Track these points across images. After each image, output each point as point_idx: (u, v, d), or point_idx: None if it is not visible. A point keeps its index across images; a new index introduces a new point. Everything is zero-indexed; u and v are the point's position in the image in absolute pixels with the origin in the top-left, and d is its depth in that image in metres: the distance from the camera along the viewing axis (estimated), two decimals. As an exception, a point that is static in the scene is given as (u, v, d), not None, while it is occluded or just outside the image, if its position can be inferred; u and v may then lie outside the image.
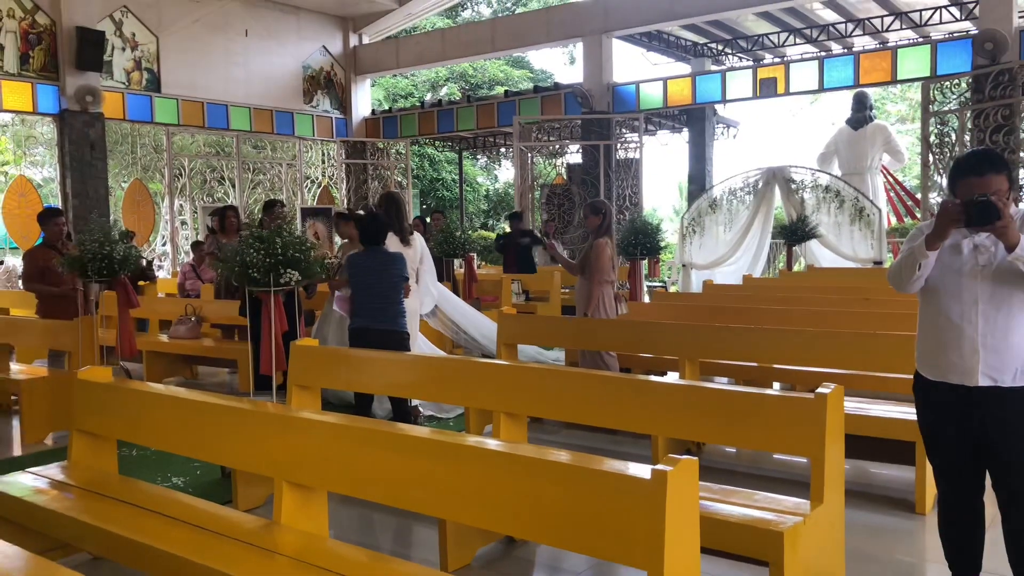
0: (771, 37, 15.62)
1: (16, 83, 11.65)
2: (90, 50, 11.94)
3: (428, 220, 12.27)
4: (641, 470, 2.21)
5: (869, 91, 14.12)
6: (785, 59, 14.82)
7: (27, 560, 1.95)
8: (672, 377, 6.31)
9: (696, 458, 2.20)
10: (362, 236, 5.34)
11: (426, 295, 6.49)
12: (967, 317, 2.78)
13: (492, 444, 2.71)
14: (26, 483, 3.56)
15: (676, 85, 13.60)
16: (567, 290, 10.61)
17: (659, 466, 2.13)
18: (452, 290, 9.52)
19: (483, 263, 17.82)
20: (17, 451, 5.90)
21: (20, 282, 12.12)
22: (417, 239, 6.25)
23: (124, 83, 13.03)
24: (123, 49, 13.01)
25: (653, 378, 3.83)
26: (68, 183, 12.00)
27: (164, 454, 5.26)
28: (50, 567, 1.95)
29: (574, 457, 2.42)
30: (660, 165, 24.48)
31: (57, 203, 12.18)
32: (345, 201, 16.05)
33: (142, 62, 13.26)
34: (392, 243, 5.90)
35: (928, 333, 2.94)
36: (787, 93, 12.69)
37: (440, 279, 9.64)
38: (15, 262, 12.94)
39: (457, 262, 10.08)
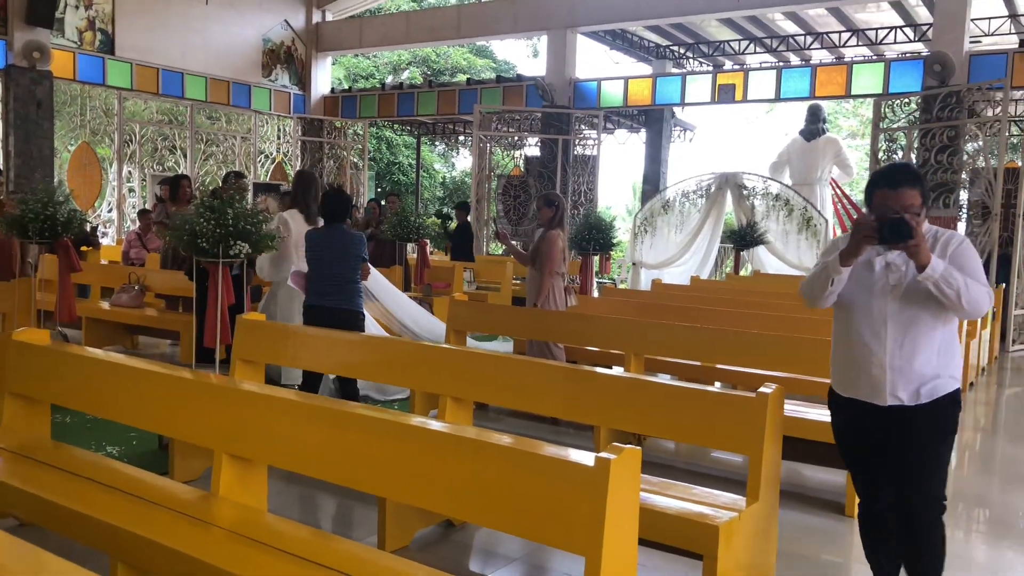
0: (732, 44, 15.84)
1: (-39, 34, 11.24)
2: (41, 5, 11.55)
3: (383, 203, 12.18)
4: (585, 457, 2.24)
5: (823, 104, 14.42)
6: (745, 67, 15.06)
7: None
8: (618, 371, 6.39)
9: (639, 448, 2.23)
10: (323, 213, 5.25)
11: None
12: (876, 335, 2.79)
13: (436, 425, 2.72)
14: (-47, 444, 3.45)
15: (637, 85, 13.71)
16: (518, 281, 10.65)
17: (603, 453, 2.16)
18: (404, 274, 9.49)
19: (435, 249, 17.76)
20: (-57, 413, 5.71)
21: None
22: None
23: (76, 42, 12.64)
24: (76, 7, 12.62)
25: (599, 369, 3.87)
26: (11, 141, 11.61)
27: (99, 422, 5.15)
28: (-22, 527, 1.90)
29: (518, 441, 2.44)
30: (616, 163, 24.64)
31: (-2, 161, 11.79)
32: (299, 179, 15.79)
33: (96, 22, 12.88)
34: (296, 221, 5.84)
35: (840, 350, 2.94)
36: (745, 100, 12.89)
37: (392, 263, 9.62)
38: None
39: (410, 247, 10.03)
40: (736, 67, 15.55)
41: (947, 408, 2.82)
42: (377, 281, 7.07)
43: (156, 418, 3.35)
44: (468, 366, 4.00)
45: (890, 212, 2.63)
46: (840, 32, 14.71)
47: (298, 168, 15.71)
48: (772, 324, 6.03)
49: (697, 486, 3.37)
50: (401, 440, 2.63)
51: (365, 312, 5.57)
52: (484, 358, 4.09)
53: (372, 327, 6.71)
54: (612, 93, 13.74)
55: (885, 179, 2.77)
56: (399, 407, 6.10)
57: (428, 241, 10.01)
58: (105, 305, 7.93)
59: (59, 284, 6.06)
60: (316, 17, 16.10)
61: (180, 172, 13.54)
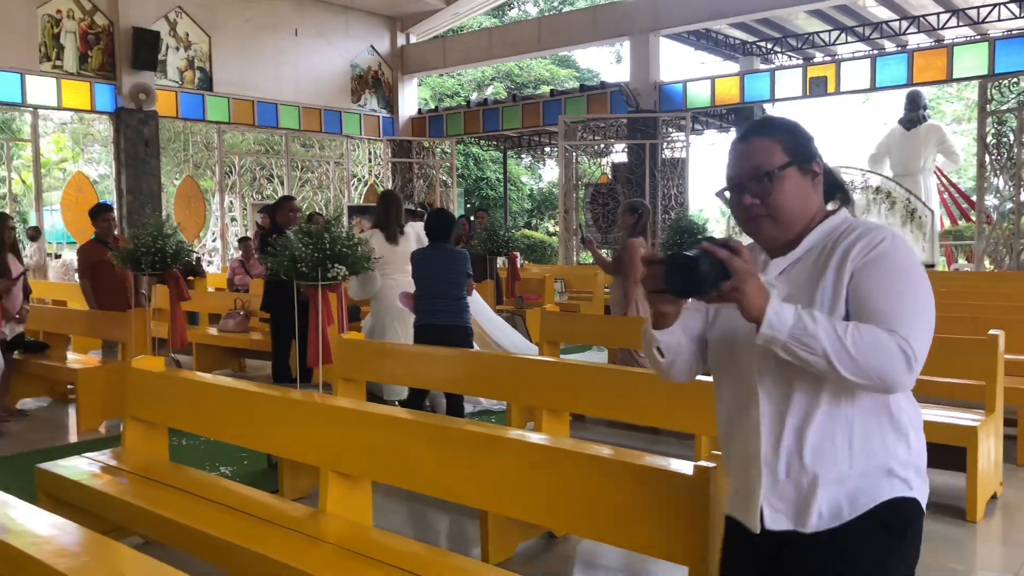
0: (822, 35, 15.39)
1: (75, 82, 11.99)
2: (145, 50, 12.24)
3: (472, 219, 12.34)
4: (684, 466, 2.21)
5: (923, 90, 13.83)
6: (836, 58, 14.59)
7: (85, 536, 2.02)
8: (716, 377, 6.25)
9: (740, 455, 2.18)
10: (428, 232, 5.37)
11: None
12: (747, 417, 1.68)
13: (535, 437, 2.73)
14: (82, 467, 3.67)
15: (724, 84, 13.47)
16: (610, 290, 10.58)
17: (702, 462, 2.13)
18: (495, 288, 9.57)
19: (526, 262, 17.85)
20: (73, 438, 6.08)
21: (78, 276, 12.51)
22: (411, 232, 6.31)
23: (177, 82, 13.32)
24: (177, 49, 13.29)
25: (697, 377, 3.80)
26: (123, 179, 12.32)
27: (213, 444, 5.38)
28: (107, 543, 2.01)
29: (617, 452, 2.43)
30: (707, 165, 24.24)
31: (112, 199, 12.51)
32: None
33: (195, 61, 13.54)
34: (377, 240, 5.98)
35: (720, 442, 1.84)
36: (837, 92, 12.49)
37: (484, 277, 9.71)
38: (73, 256, 13.32)
39: (500, 260, 10.11)
40: (827, 59, 15.08)
41: (880, 533, 1.61)
42: (472, 299, 7.16)
43: (264, 438, 3.48)
44: (563, 377, 4.01)
45: (685, 249, 1.54)
46: (938, 13, 14.09)
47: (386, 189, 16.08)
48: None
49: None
50: (500, 453, 2.66)
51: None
52: (579, 369, 4.08)
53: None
54: (699, 94, 13.53)
55: (738, 133, 1.82)
56: (496, 420, 6.16)
57: (518, 254, 10.06)
58: (213, 331, 8.30)
59: (171, 313, 6.37)
60: (400, 40, 16.49)
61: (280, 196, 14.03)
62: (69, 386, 7.03)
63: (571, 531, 2.98)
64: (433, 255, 5.29)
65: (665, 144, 13.86)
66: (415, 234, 6.32)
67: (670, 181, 13.78)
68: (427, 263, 5.27)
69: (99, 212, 7.24)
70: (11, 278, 6.07)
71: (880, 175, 12.22)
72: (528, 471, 2.56)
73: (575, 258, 14.06)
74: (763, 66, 15.70)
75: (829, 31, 15.26)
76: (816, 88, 12.48)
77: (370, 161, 16.46)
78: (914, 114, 13.85)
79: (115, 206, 12.19)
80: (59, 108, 12.17)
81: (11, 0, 11.30)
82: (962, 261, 13.84)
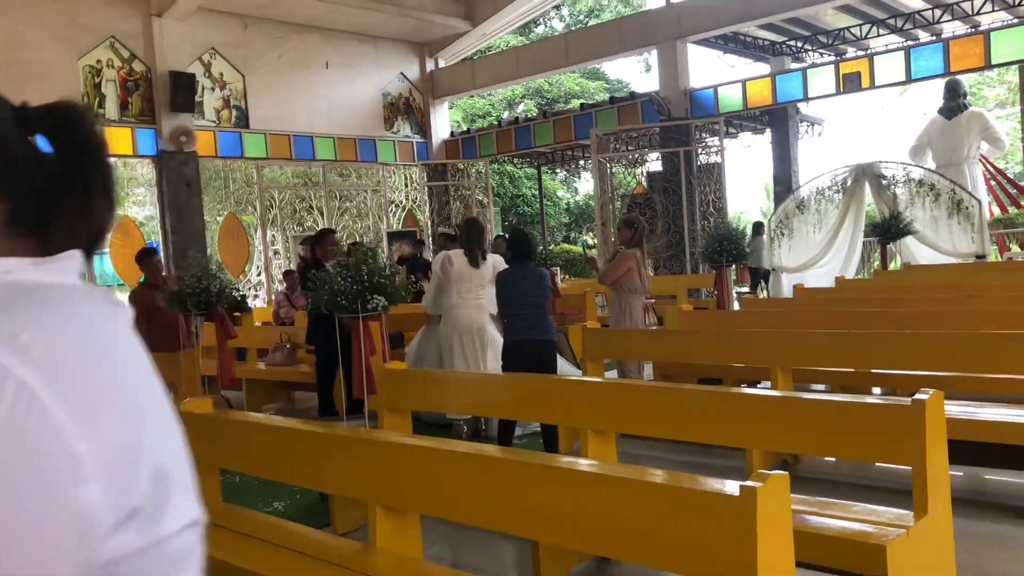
0: (853, 30, 15.18)
1: (117, 129, 12.32)
2: (182, 92, 12.54)
3: (509, 236, 12.33)
4: (730, 487, 2.17)
5: (962, 78, 13.54)
6: (869, 51, 14.37)
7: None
8: (765, 386, 6.18)
9: (787, 473, 2.15)
10: (513, 252, 5.56)
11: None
12: None
13: (581, 464, 2.71)
14: (138, 512, 3.74)
15: (755, 86, 13.35)
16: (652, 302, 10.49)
17: (748, 482, 2.09)
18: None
19: (567, 276, 17.81)
20: (130, 479, 6.20)
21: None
22: (489, 260, 6.50)
23: (215, 121, 13.61)
24: (212, 89, 13.60)
25: (744, 390, 3.76)
26: (167, 220, 12.60)
27: (266, 480, 5.45)
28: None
29: (662, 475, 2.40)
30: (744, 167, 23.99)
31: (158, 240, 12.80)
32: (429, 223, 16.33)
33: (230, 100, 13.83)
34: (458, 258, 6.21)
35: None
36: (872, 87, 12.29)
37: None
38: (123, 299, 13.63)
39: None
40: (860, 53, 14.86)
41: None
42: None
43: (312, 475, 3.51)
44: (607, 397, 3.97)
45: None
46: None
47: (427, 213, 16.22)
48: (929, 320, 5.67)
49: (859, 503, 3.19)
50: (546, 481, 2.64)
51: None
52: (623, 387, 4.05)
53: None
54: (730, 97, 13.43)
55: None
56: (525, 441, 6.14)
57: (557, 270, 10.05)
58: (261, 365, 8.41)
59: (218, 351, 6.49)
60: (430, 65, 16.66)
61: (319, 229, 14.23)
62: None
63: (622, 557, 2.94)
64: (522, 274, 5.47)
65: (699, 150, 13.75)
66: (492, 263, 6.53)
67: (707, 187, 13.66)
68: (516, 282, 5.44)
69: (145, 256, 7.42)
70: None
71: (922, 167, 11.97)
72: (575, 499, 2.54)
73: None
74: (795, 65, 15.52)
75: (860, 25, 15.04)
76: (850, 84, 12.30)
77: (406, 186, 16.61)
78: (954, 103, 13.56)
79: (161, 247, 12.47)
80: (103, 155, 12.51)
81: (54, 54, 11.67)
82: (1016, 249, 13.47)
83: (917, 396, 2.84)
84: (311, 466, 3.45)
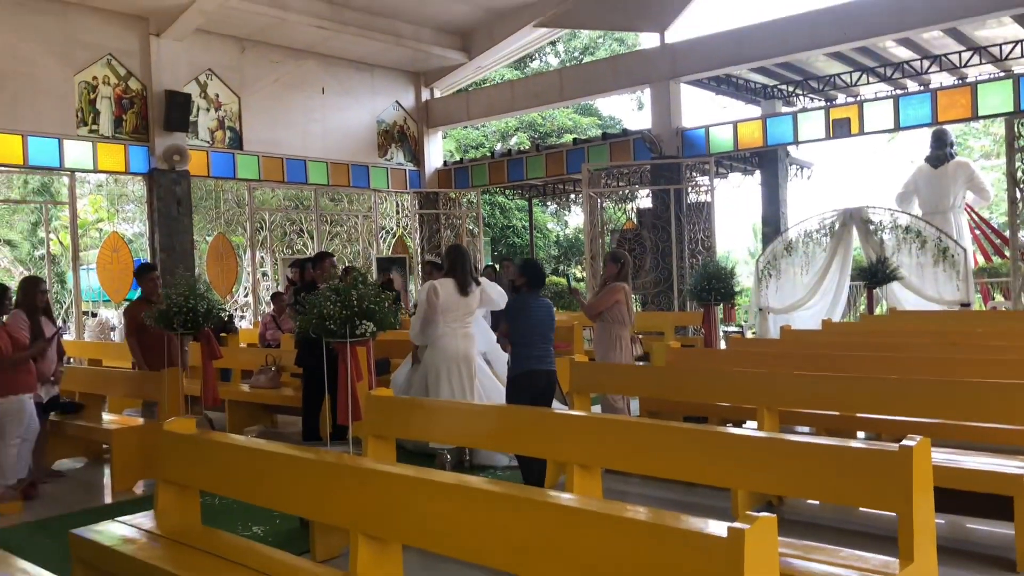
0: (843, 76, 15.40)
1: (111, 145, 12.31)
2: (177, 112, 12.55)
3: (498, 267, 12.37)
4: (717, 527, 2.16)
5: (949, 128, 13.75)
6: (859, 98, 14.58)
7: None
8: (750, 426, 6.17)
9: (775, 515, 2.14)
10: (527, 281, 5.48)
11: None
12: None
13: (565, 499, 2.69)
14: (115, 532, 3.69)
15: (747, 128, 13.51)
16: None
17: (736, 524, 2.08)
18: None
19: (556, 309, 17.78)
20: (108, 499, 6.11)
21: (113, 334, 12.67)
22: (476, 292, 6.48)
23: (208, 142, 13.62)
24: (207, 109, 13.62)
25: (731, 430, 3.75)
26: (156, 238, 12.55)
27: (244, 503, 5.38)
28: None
29: (648, 513, 2.38)
30: (733, 207, 24.19)
31: (146, 257, 12.73)
32: (419, 251, 16.35)
33: (225, 121, 13.85)
34: (446, 288, 6.16)
35: None
36: (861, 133, 12.46)
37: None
38: (108, 315, 13.52)
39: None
40: (850, 99, 15.08)
41: None
42: (496, 352, 7.17)
43: (294, 500, 3.47)
44: (594, 431, 3.96)
45: None
46: (960, 52, 14.05)
47: (417, 240, 16.23)
48: (914, 367, 5.70)
49: (844, 547, 3.18)
50: (533, 516, 2.62)
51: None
52: (609, 423, 4.04)
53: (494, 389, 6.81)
54: (722, 138, 13.57)
55: None
56: (504, 472, 6.11)
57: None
58: (245, 387, 8.34)
59: (202, 371, 6.44)
60: (425, 95, 16.76)
61: (308, 254, 14.22)
62: (104, 446, 7.09)
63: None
64: (535, 303, 5.43)
65: (689, 188, 13.86)
66: (481, 290, 6.50)
67: (696, 225, 13.76)
68: (527, 311, 5.40)
69: (144, 272, 7.37)
70: (45, 340, 6.17)
71: (909, 214, 12.10)
72: (559, 533, 2.52)
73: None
74: (785, 109, 15.72)
75: (850, 72, 15.26)
76: (839, 129, 12.47)
77: (398, 213, 16.63)
78: (941, 152, 13.75)
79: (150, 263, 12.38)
80: (95, 171, 12.47)
81: (51, 70, 11.68)
82: (999, 298, 13.59)
83: (904, 443, 2.85)
84: (294, 491, 3.41)
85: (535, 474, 5.12)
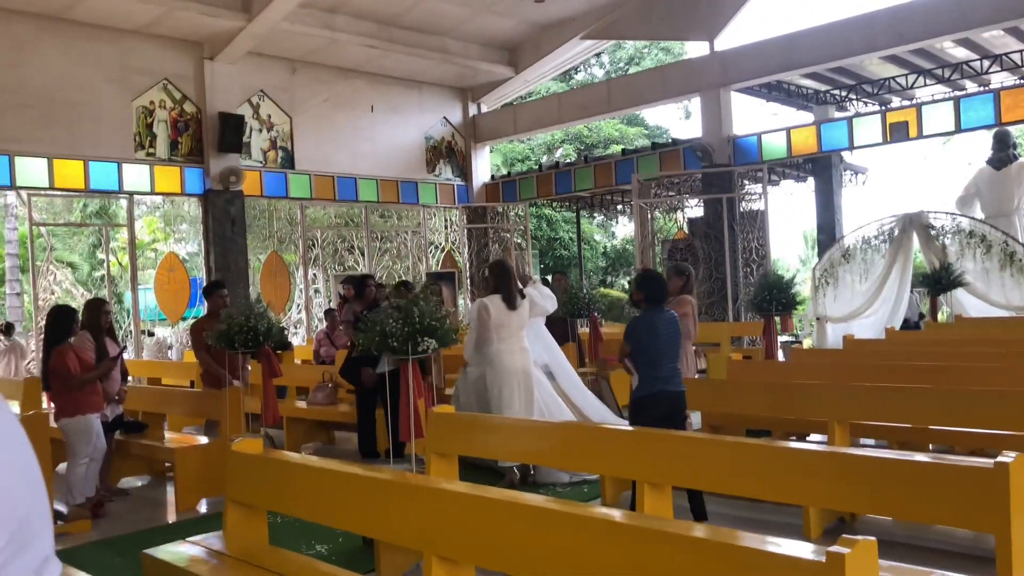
0: (899, 80, 15.07)
1: (167, 167, 12.57)
2: (231, 133, 12.77)
3: (551, 279, 12.32)
4: (812, 551, 2.07)
5: (1012, 129, 13.34)
6: (916, 101, 14.25)
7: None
8: (817, 439, 6.01)
9: (874, 539, 2.04)
10: (649, 297, 5.04)
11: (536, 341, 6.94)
12: None
13: (643, 520, 2.62)
14: (185, 552, 3.71)
15: (800, 134, 13.28)
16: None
17: (835, 548, 1.99)
18: (578, 350, 9.47)
19: (605, 321, 17.67)
20: (171, 517, 6.18)
21: (170, 352, 12.90)
22: (525, 303, 6.41)
23: (261, 162, 13.83)
24: (260, 130, 13.84)
25: (804, 445, 3.65)
26: (211, 257, 12.76)
27: (307, 522, 5.38)
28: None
29: (739, 536, 2.30)
30: (784, 215, 23.84)
31: (201, 276, 12.95)
32: (467, 265, 16.36)
33: (277, 141, 14.06)
34: (495, 305, 6.10)
35: None
36: (920, 136, 12.16)
37: (565, 340, 9.63)
38: (165, 334, 13.77)
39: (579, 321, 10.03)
40: (907, 103, 14.74)
41: None
42: (559, 364, 7.11)
43: (363, 520, 3.45)
44: (662, 448, 3.88)
45: None
46: (1022, 51, 13.66)
47: (466, 255, 16.27)
48: (985, 376, 5.49)
49: (937, 569, 3.04)
50: (605, 536, 2.55)
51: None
52: (677, 439, 3.95)
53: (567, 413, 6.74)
54: (774, 145, 13.36)
55: None
56: (588, 488, 6.02)
57: (599, 315, 9.97)
58: (302, 404, 8.40)
59: (263, 389, 6.48)
60: (472, 111, 16.83)
61: (359, 270, 14.34)
62: (167, 464, 7.18)
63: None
64: (662, 320, 4.96)
65: (742, 196, 13.66)
66: (528, 301, 6.44)
67: (749, 234, 13.54)
68: (655, 328, 4.93)
69: (212, 289, 7.48)
70: (110, 360, 6.27)
71: (971, 218, 11.74)
72: (637, 555, 2.44)
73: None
74: (839, 114, 15.43)
75: (906, 75, 14.93)
76: (897, 133, 12.18)
77: (446, 228, 16.70)
78: (1003, 153, 13.32)
79: (204, 283, 12.60)
80: (152, 193, 12.75)
81: (109, 96, 11.98)
82: (1068, 303, 13.10)
83: (1000, 459, 2.72)
84: (361, 511, 3.38)
85: (696, 504, 4.86)
